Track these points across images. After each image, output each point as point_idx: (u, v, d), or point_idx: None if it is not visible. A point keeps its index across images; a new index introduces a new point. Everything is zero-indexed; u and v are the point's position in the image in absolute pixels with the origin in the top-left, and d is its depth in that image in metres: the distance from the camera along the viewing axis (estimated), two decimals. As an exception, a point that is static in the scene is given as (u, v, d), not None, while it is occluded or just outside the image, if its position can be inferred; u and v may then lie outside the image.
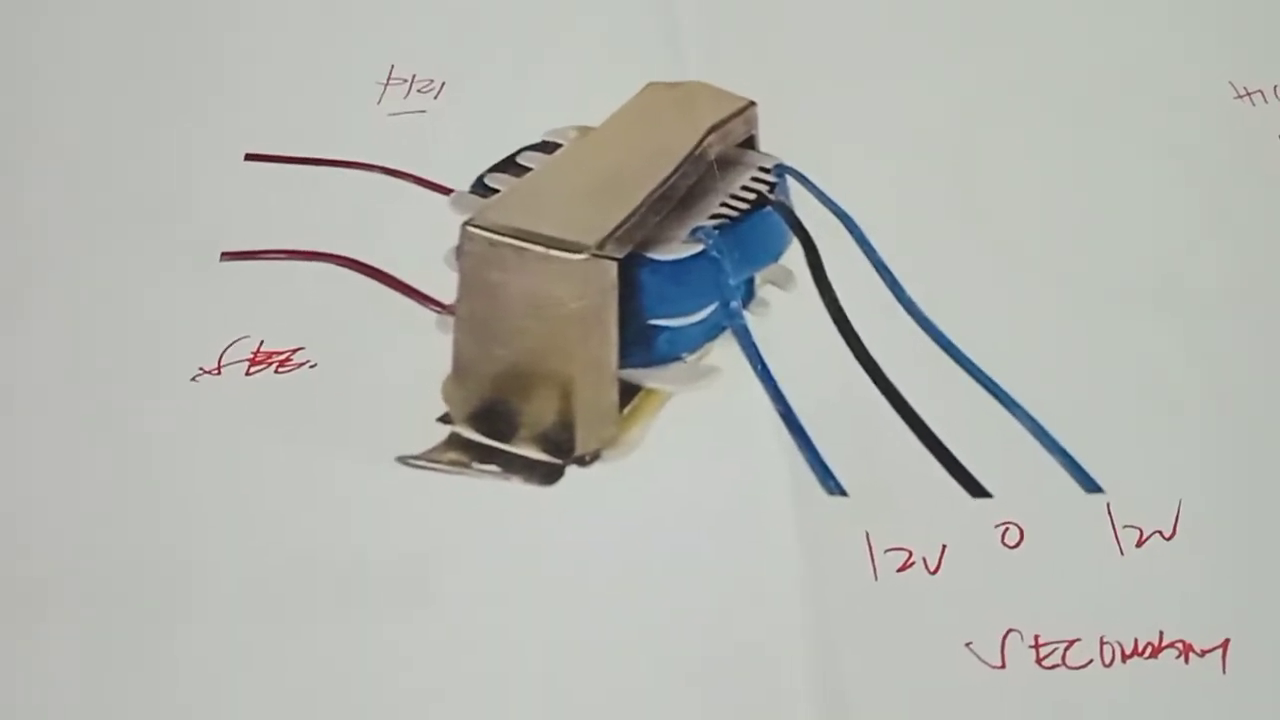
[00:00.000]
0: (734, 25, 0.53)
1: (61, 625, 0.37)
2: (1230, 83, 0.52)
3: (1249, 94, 0.52)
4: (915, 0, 0.54)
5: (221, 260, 0.45)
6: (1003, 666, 0.36)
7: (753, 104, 0.49)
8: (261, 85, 0.51)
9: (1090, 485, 0.40)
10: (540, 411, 0.41)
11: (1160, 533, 0.39)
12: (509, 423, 0.42)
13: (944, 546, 0.38)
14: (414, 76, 0.52)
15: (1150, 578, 0.38)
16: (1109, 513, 0.39)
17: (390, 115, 0.50)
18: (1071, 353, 0.43)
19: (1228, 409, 0.42)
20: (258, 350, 0.42)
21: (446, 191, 0.48)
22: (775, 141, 0.49)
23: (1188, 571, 0.38)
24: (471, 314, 0.43)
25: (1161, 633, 0.37)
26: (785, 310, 0.44)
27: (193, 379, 0.42)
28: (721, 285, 0.44)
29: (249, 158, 0.49)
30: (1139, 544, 0.38)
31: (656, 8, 0.54)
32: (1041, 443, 0.41)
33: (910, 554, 0.38)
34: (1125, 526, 0.39)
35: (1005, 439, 0.41)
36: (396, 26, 0.54)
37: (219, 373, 0.42)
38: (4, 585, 0.37)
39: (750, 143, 0.49)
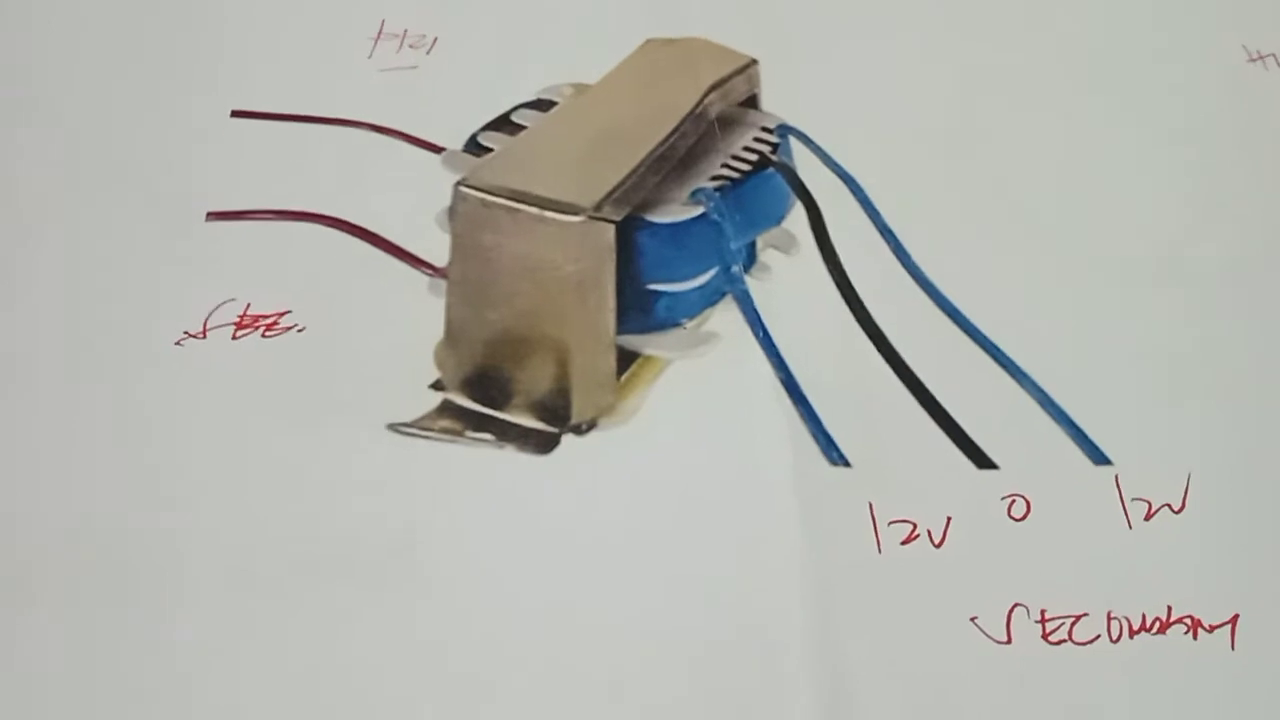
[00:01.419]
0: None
1: (47, 592, 0.36)
2: (1243, 45, 0.51)
3: (1261, 57, 0.50)
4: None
5: (207, 220, 0.44)
6: (1008, 642, 0.35)
7: (755, 62, 0.48)
8: (249, 40, 0.50)
9: (1098, 457, 0.39)
10: (535, 378, 0.40)
11: (1169, 506, 0.38)
12: (503, 389, 0.40)
13: (949, 519, 0.37)
14: (406, 31, 0.50)
15: (1158, 552, 0.37)
16: (1117, 485, 0.38)
17: (382, 71, 0.49)
18: (1081, 322, 0.42)
19: (1239, 380, 0.41)
20: (244, 313, 0.41)
21: (439, 150, 0.46)
22: (778, 101, 0.48)
23: (1196, 545, 0.37)
24: (464, 277, 0.41)
25: (1170, 608, 0.36)
26: (787, 275, 0.43)
27: (177, 343, 0.40)
28: (722, 249, 0.43)
29: (235, 114, 0.47)
30: (1147, 517, 0.38)
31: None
32: (1049, 413, 0.40)
33: (914, 526, 0.37)
34: (1134, 499, 0.38)
35: (1012, 409, 0.40)
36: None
37: (204, 336, 0.40)
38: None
39: (752, 102, 0.48)
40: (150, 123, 0.47)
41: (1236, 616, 0.36)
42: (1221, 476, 0.39)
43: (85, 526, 0.37)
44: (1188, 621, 0.36)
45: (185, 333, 0.41)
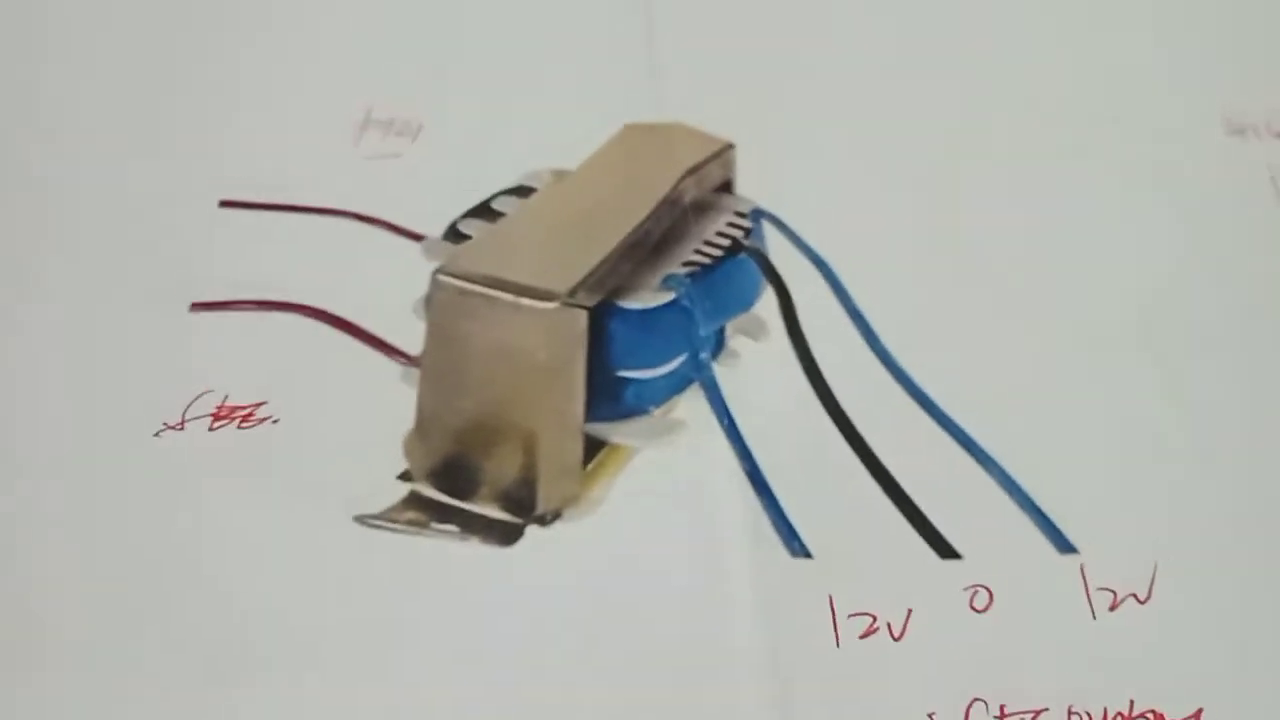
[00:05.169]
0: (713, 67, 0.52)
1: (13, 683, 0.36)
2: (1223, 118, 0.51)
3: (1241, 130, 0.50)
4: (896, 41, 0.53)
5: (192, 311, 0.45)
6: (966, 738, 0.35)
7: (731, 146, 0.49)
8: (237, 128, 0.51)
9: (1064, 545, 0.39)
10: (502, 467, 0.41)
11: (1135, 595, 0.38)
12: (470, 480, 0.41)
13: (909, 611, 0.37)
14: (393, 120, 0.51)
15: (1123, 643, 0.37)
16: (1083, 574, 0.38)
17: (367, 159, 0.50)
18: (1050, 406, 0.42)
19: (1211, 466, 0.41)
20: (222, 404, 0.42)
21: (419, 238, 0.47)
22: (753, 185, 0.48)
23: (1162, 637, 0.37)
24: (437, 365, 0.42)
25: (1132, 702, 0.36)
26: (756, 361, 0.44)
27: (156, 434, 0.41)
28: (691, 336, 0.43)
29: (224, 204, 0.49)
30: (1112, 607, 0.37)
31: (636, 49, 0.53)
32: (1015, 499, 0.40)
33: (874, 619, 0.37)
34: (1099, 589, 0.38)
35: (978, 496, 0.40)
36: (375, 68, 0.53)
37: (182, 428, 0.41)
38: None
39: (727, 186, 0.49)
40: (140, 214, 0.48)
41: (1200, 711, 0.35)
42: (1189, 565, 0.38)
43: (54, 612, 0.37)
44: (1150, 716, 0.35)
45: (164, 424, 0.41)
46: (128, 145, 0.50)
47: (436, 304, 0.42)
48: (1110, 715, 0.35)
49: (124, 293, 0.45)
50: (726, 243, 0.46)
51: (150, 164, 0.49)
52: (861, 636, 0.37)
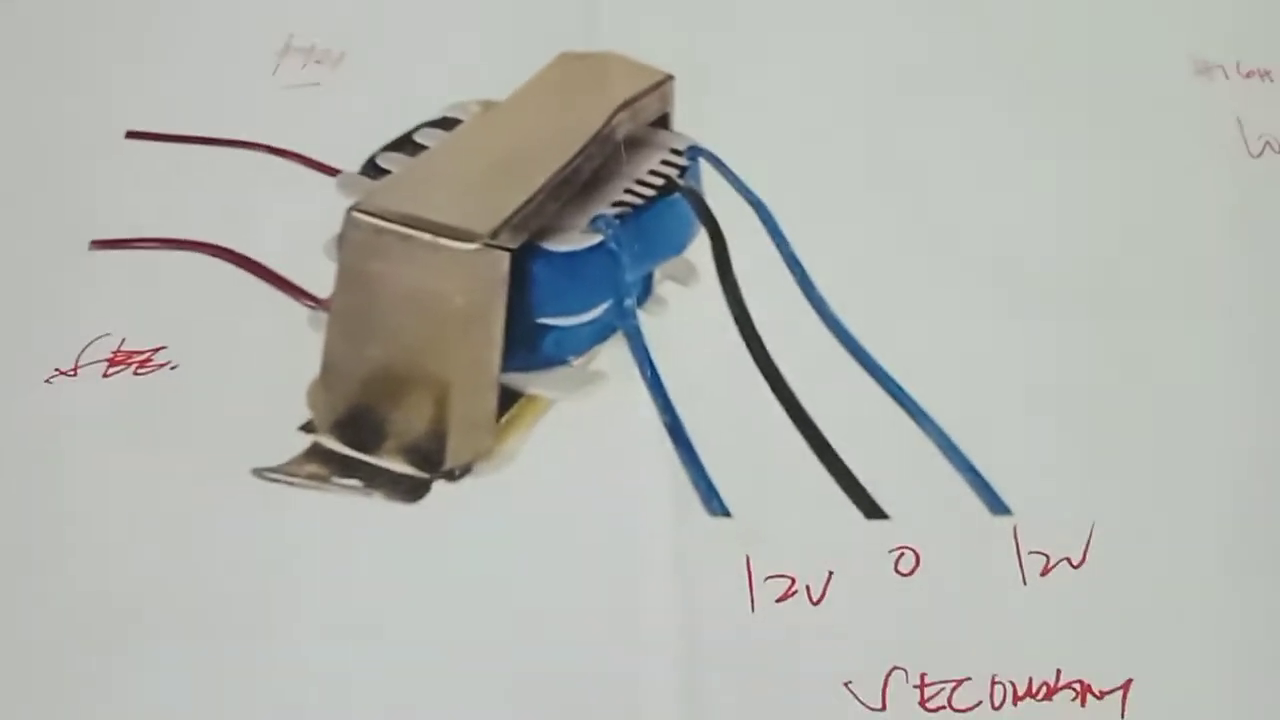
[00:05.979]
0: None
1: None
2: (1189, 57, 0.48)
3: (1208, 69, 0.48)
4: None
5: (91, 249, 0.43)
6: (883, 708, 0.34)
7: (670, 78, 0.46)
8: (148, 54, 0.48)
9: (998, 506, 0.37)
10: (411, 419, 0.39)
11: (1069, 560, 0.36)
12: (376, 431, 0.39)
13: (830, 573, 0.35)
14: (314, 46, 0.48)
15: (1053, 610, 0.35)
16: (1015, 537, 0.36)
17: (285, 88, 0.47)
18: (991, 360, 0.40)
19: (1152, 429, 0.39)
20: (118, 349, 0.40)
21: (335, 173, 0.45)
22: (691, 121, 0.46)
23: (1094, 604, 0.36)
24: (347, 309, 0.40)
25: (1059, 671, 0.34)
26: (684, 309, 0.41)
27: (48, 381, 0.39)
28: (617, 281, 0.41)
29: (130, 135, 0.46)
30: (1044, 572, 0.36)
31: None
32: (949, 458, 0.38)
33: (793, 582, 0.35)
34: (1031, 553, 0.36)
35: (910, 453, 0.38)
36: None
37: (75, 374, 0.39)
38: None
39: (664, 121, 0.46)
40: (41, 145, 0.45)
41: (1130, 682, 0.34)
42: (1127, 529, 0.37)
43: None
44: (1076, 687, 0.34)
45: (57, 370, 0.39)
46: (29, 70, 0.47)
47: (349, 243, 0.40)
48: (1035, 686, 0.34)
49: (19, 228, 0.43)
50: (660, 182, 0.44)
51: (53, 91, 0.47)
52: (778, 600, 0.35)
